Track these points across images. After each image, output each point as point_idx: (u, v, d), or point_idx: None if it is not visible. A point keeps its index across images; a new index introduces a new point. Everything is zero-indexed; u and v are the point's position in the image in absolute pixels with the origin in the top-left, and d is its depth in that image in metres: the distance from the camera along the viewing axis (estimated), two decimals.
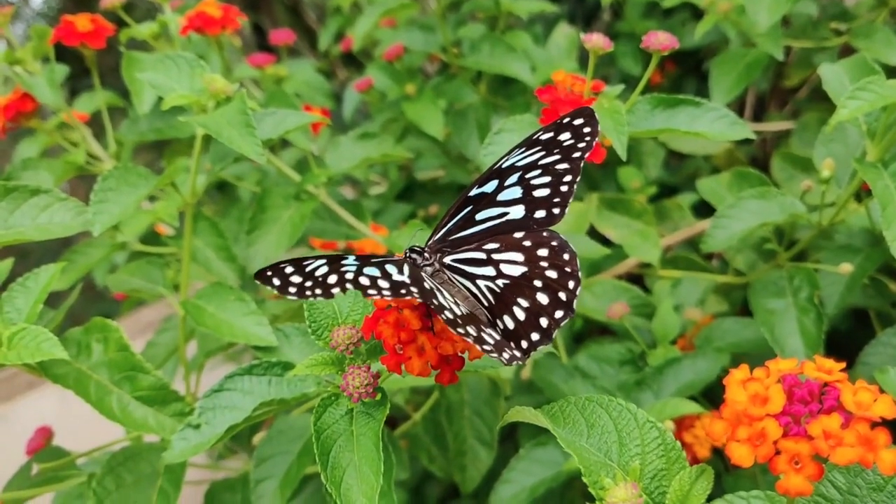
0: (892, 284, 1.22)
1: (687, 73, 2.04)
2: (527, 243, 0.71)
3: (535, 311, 0.68)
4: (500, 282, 0.70)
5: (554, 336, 0.68)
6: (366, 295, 0.61)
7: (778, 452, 0.53)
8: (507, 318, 0.69)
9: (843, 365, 0.57)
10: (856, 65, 1.05)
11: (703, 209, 1.47)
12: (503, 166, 0.73)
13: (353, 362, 0.70)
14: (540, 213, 0.72)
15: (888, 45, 1.36)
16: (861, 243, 1.15)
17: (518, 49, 1.48)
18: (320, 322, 0.73)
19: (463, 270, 0.72)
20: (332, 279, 0.62)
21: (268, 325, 0.98)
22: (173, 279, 1.28)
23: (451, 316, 0.63)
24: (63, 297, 1.11)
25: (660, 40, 0.90)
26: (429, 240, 0.75)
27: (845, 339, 1.39)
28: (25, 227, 0.91)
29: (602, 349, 1.24)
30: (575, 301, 0.68)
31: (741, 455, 0.54)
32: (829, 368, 0.57)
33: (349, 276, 0.62)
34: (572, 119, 0.72)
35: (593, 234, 1.31)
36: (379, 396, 0.69)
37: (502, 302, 0.69)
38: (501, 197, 0.73)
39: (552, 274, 0.68)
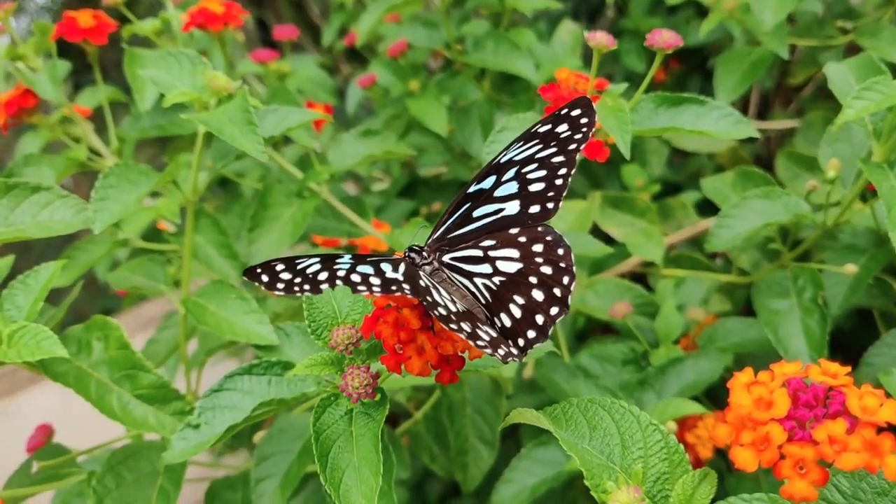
0: None
1: (691, 71, 2.03)
2: (522, 239, 0.70)
3: (531, 308, 0.68)
4: (496, 279, 0.70)
5: (550, 333, 0.68)
6: (355, 291, 0.61)
7: (782, 457, 0.53)
8: (504, 316, 0.68)
9: (849, 369, 0.57)
10: (862, 64, 1.04)
11: (707, 207, 1.47)
12: (501, 161, 0.73)
13: (353, 362, 0.70)
14: (535, 209, 0.71)
15: (894, 44, 1.35)
16: (866, 243, 1.14)
17: (522, 46, 1.47)
18: (320, 322, 0.72)
19: (461, 269, 0.71)
20: (323, 276, 0.62)
21: (269, 324, 0.97)
22: (175, 275, 1.27)
23: (444, 312, 0.62)
24: (64, 294, 1.11)
25: (664, 38, 0.89)
26: (429, 238, 0.74)
27: (849, 339, 1.38)
28: (26, 224, 0.91)
29: (605, 348, 1.24)
30: (570, 297, 0.67)
31: (745, 460, 0.54)
32: (835, 372, 0.57)
33: (340, 273, 0.62)
34: (570, 110, 0.71)
35: (596, 232, 1.31)
36: (378, 397, 0.68)
37: (499, 300, 0.69)
38: (498, 193, 0.72)
39: (547, 270, 0.68)
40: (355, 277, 0.62)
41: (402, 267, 0.66)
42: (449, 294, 0.68)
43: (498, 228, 0.72)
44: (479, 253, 0.71)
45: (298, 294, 0.63)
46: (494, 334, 0.66)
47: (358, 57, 2.48)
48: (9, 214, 0.91)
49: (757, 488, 1.04)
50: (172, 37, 1.37)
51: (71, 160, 1.19)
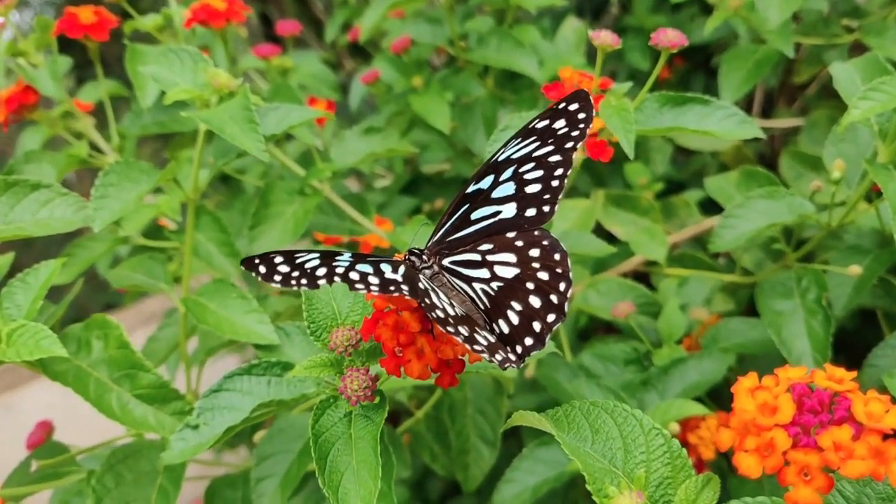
0: None
1: (695, 69, 2.02)
2: (519, 243, 0.69)
3: (528, 314, 0.67)
4: (494, 284, 0.69)
5: (547, 341, 0.67)
6: (352, 288, 0.60)
7: (787, 464, 0.53)
8: (502, 323, 0.68)
9: (855, 374, 0.56)
10: (868, 64, 1.04)
11: (711, 206, 1.46)
12: (499, 160, 0.71)
13: (352, 364, 0.69)
14: (531, 212, 0.70)
15: None
16: (870, 244, 1.13)
17: (526, 43, 1.46)
18: (319, 323, 0.72)
19: (460, 273, 0.71)
20: (321, 272, 0.62)
21: (269, 324, 0.97)
22: (176, 272, 1.27)
23: (441, 315, 0.62)
24: (65, 291, 1.10)
25: (669, 38, 0.88)
26: (429, 241, 0.73)
27: (852, 339, 1.38)
28: (26, 222, 0.90)
29: (607, 348, 1.23)
30: (566, 304, 0.66)
31: (749, 466, 0.53)
32: (840, 378, 0.56)
33: (339, 270, 0.62)
34: (567, 104, 0.70)
35: (599, 230, 1.30)
36: (378, 399, 0.68)
37: (497, 306, 0.68)
38: (496, 194, 0.71)
39: (543, 275, 0.67)
40: (353, 275, 0.61)
41: (401, 269, 0.65)
42: (448, 299, 0.67)
43: (495, 232, 0.71)
44: (477, 257, 0.70)
45: (295, 287, 0.62)
46: (492, 339, 0.65)
47: (361, 52, 2.47)
48: (8, 212, 0.90)
49: (759, 490, 1.03)
50: (174, 33, 1.36)
51: (72, 157, 1.18)
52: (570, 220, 1.30)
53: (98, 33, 1.19)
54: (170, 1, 1.39)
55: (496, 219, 0.71)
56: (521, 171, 0.71)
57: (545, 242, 0.68)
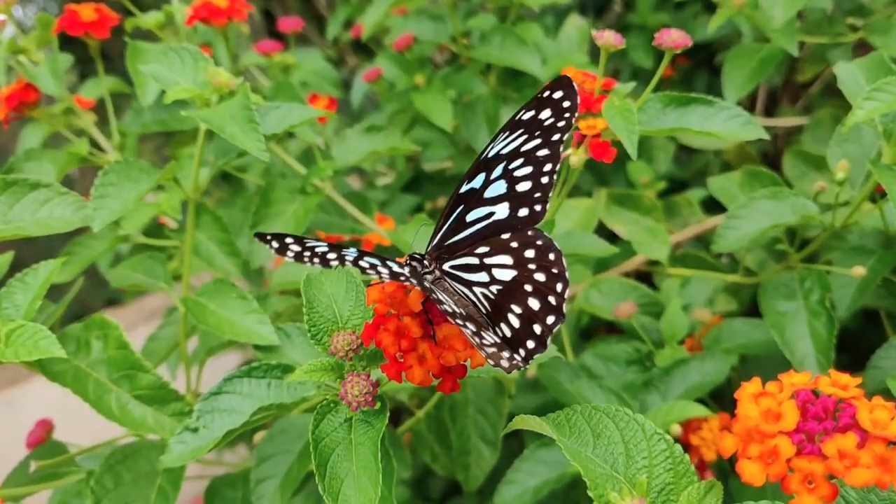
0: None
1: (698, 67, 2.02)
2: (514, 244, 0.69)
3: (528, 317, 0.66)
4: (493, 288, 0.68)
5: (549, 343, 0.66)
6: (363, 272, 0.61)
7: (791, 471, 0.52)
8: (504, 326, 0.67)
9: (860, 381, 0.56)
10: (872, 63, 1.03)
11: (713, 205, 1.45)
12: (489, 156, 0.70)
13: (353, 369, 0.68)
14: (523, 212, 0.69)
15: None
16: (874, 245, 1.13)
17: (529, 41, 1.46)
18: (320, 326, 0.71)
19: (460, 277, 0.70)
20: (332, 256, 0.61)
21: (269, 324, 0.96)
22: (176, 270, 1.26)
23: (449, 309, 0.61)
24: (65, 290, 1.10)
25: (672, 38, 0.88)
26: (428, 245, 0.72)
27: (855, 339, 1.37)
28: (25, 221, 0.90)
29: (609, 348, 1.23)
30: (564, 305, 0.66)
31: (752, 473, 0.53)
32: (845, 384, 0.55)
33: (349, 258, 0.61)
34: (552, 92, 0.69)
35: (601, 229, 1.30)
36: (378, 405, 0.67)
37: (498, 309, 0.68)
38: (488, 193, 0.70)
39: (540, 277, 0.66)
40: (364, 263, 0.61)
41: (406, 269, 0.65)
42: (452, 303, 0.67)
43: (490, 234, 0.70)
44: (475, 261, 0.69)
45: (307, 264, 0.61)
46: (498, 340, 0.65)
47: (364, 48, 2.46)
48: (7, 211, 0.90)
49: (762, 494, 1.03)
50: (176, 30, 1.36)
51: (72, 155, 1.18)
52: (572, 220, 1.30)
53: (99, 31, 1.19)
54: None
55: (490, 220, 0.70)
56: (510, 167, 0.70)
57: (539, 242, 0.68)
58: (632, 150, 0.87)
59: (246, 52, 1.73)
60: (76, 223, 0.91)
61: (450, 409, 1.19)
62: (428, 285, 0.65)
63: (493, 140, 0.70)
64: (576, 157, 0.89)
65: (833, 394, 0.55)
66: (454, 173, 1.84)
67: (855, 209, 1.05)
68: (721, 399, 1.21)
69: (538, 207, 0.69)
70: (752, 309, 1.28)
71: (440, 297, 0.63)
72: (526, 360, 0.66)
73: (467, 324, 0.61)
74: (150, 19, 1.33)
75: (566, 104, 0.68)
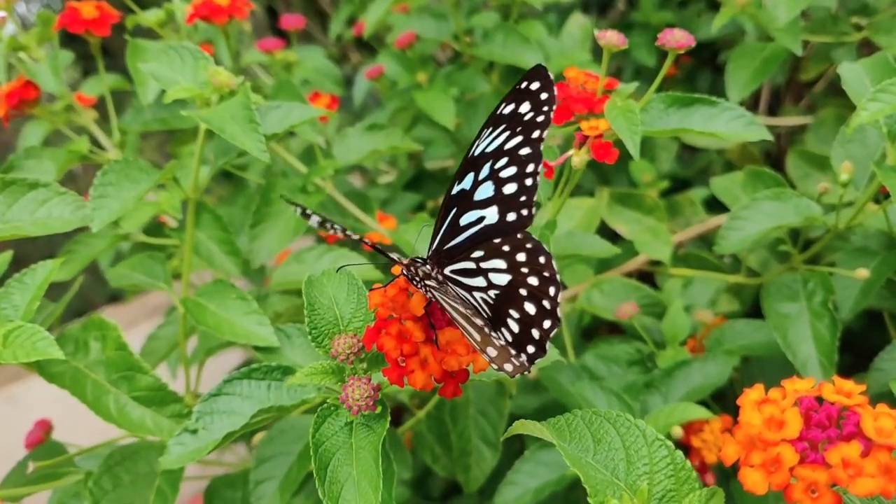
0: None
1: (702, 65, 2.01)
2: (506, 248, 0.68)
3: (526, 322, 0.66)
4: (491, 293, 0.67)
5: (548, 347, 0.66)
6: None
7: (794, 479, 0.51)
8: (504, 332, 0.66)
9: (864, 388, 0.55)
10: (877, 64, 1.02)
11: (716, 204, 1.45)
12: (475, 154, 0.69)
13: (354, 372, 0.68)
14: (511, 216, 0.69)
15: None
16: (878, 246, 1.12)
17: (531, 39, 1.45)
18: (321, 329, 0.71)
19: (461, 283, 0.69)
20: (351, 233, 0.62)
21: (269, 325, 0.96)
22: (177, 268, 1.26)
23: (456, 314, 0.61)
24: (66, 288, 1.10)
25: (676, 38, 0.87)
26: (429, 249, 0.72)
27: (858, 340, 1.37)
28: (23, 221, 0.89)
29: (611, 349, 1.22)
30: (558, 309, 0.65)
31: (754, 481, 0.52)
32: (849, 391, 0.55)
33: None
34: (529, 83, 0.68)
35: (604, 228, 1.29)
36: (379, 409, 0.67)
37: (498, 314, 0.67)
38: (478, 196, 0.69)
39: (533, 281, 0.66)
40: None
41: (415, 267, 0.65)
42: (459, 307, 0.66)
43: (484, 238, 0.69)
44: (472, 265, 0.69)
45: (328, 230, 0.62)
46: (504, 343, 0.64)
47: (368, 45, 2.46)
48: (6, 211, 0.89)
49: (764, 500, 1.02)
50: (177, 28, 1.35)
51: (72, 153, 1.17)
52: (575, 219, 1.29)
53: (99, 28, 1.18)
54: None
55: (482, 225, 0.69)
56: (496, 167, 0.69)
57: (528, 246, 0.67)
58: (634, 151, 0.86)
59: (248, 49, 1.72)
60: (75, 223, 0.91)
61: (451, 409, 1.18)
62: (434, 288, 0.64)
63: (478, 136, 0.69)
64: (578, 158, 0.89)
65: (837, 401, 0.54)
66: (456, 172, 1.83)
67: (859, 210, 1.04)
68: (723, 400, 1.21)
69: (525, 212, 0.68)
70: (754, 309, 1.27)
71: (446, 300, 0.62)
72: (528, 364, 0.65)
73: (472, 329, 0.61)
74: (150, 17, 1.32)
75: (544, 96, 0.67)
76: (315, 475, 0.64)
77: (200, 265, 1.22)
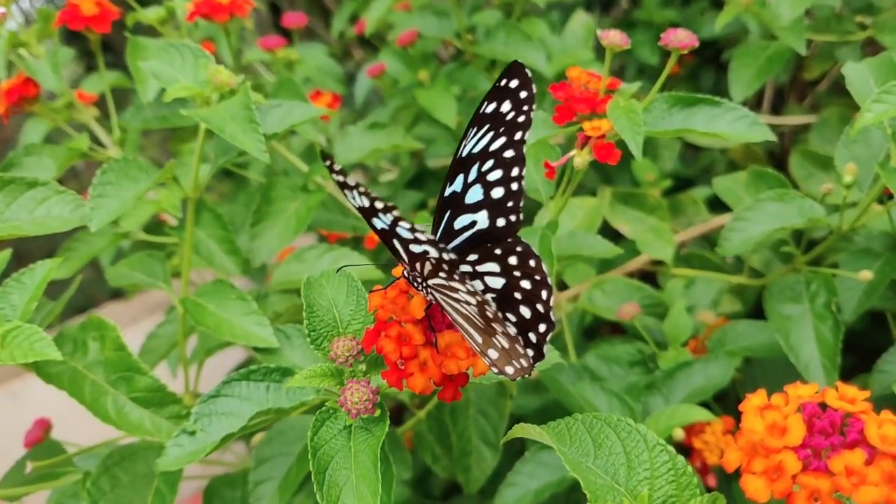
0: None
1: (705, 64, 2.01)
2: (498, 252, 0.67)
3: (524, 325, 0.65)
4: (488, 296, 0.67)
5: (545, 351, 0.65)
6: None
7: (796, 487, 0.51)
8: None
9: (868, 394, 0.55)
10: (881, 64, 1.02)
11: (719, 203, 1.44)
12: (463, 155, 0.68)
13: (353, 375, 0.68)
14: (501, 221, 0.68)
15: None
16: (881, 247, 1.11)
17: (534, 37, 1.45)
18: (320, 331, 0.70)
19: None
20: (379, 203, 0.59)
21: (269, 326, 0.95)
22: (177, 267, 1.25)
23: (458, 317, 0.61)
24: (66, 286, 1.09)
25: (679, 38, 0.86)
26: None
27: (861, 340, 1.36)
28: (22, 220, 0.89)
29: (612, 349, 1.22)
30: (552, 313, 0.65)
31: (756, 489, 0.52)
32: (853, 397, 0.54)
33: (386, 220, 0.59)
34: (508, 80, 0.66)
35: (606, 228, 1.29)
36: (378, 412, 0.66)
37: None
38: (468, 199, 0.68)
39: (526, 284, 0.65)
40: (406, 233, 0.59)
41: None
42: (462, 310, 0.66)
43: (476, 242, 0.69)
44: (468, 269, 0.68)
45: (349, 197, 0.60)
46: (506, 347, 0.64)
47: (370, 43, 2.45)
48: (4, 210, 0.89)
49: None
50: (177, 25, 1.35)
51: (72, 150, 1.17)
52: (577, 219, 1.29)
53: (100, 25, 1.18)
54: None
55: (475, 229, 0.69)
56: (483, 170, 0.68)
57: (518, 249, 0.67)
58: (637, 152, 0.86)
59: (250, 47, 1.72)
60: (74, 223, 0.90)
61: (451, 409, 1.18)
62: (448, 282, 0.63)
63: (464, 136, 0.68)
64: (580, 158, 0.88)
65: (840, 407, 0.54)
66: None
67: (863, 212, 1.04)
68: (724, 401, 1.20)
69: (513, 218, 0.68)
70: (757, 310, 1.27)
71: (451, 302, 0.62)
72: (528, 367, 0.65)
73: (473, 330, 0.60)
74: (151, 14, 1.31)
75: (523, 94, 0.66)
76: (313, 479, 0.64)
77: (200, 264, 1.22)
